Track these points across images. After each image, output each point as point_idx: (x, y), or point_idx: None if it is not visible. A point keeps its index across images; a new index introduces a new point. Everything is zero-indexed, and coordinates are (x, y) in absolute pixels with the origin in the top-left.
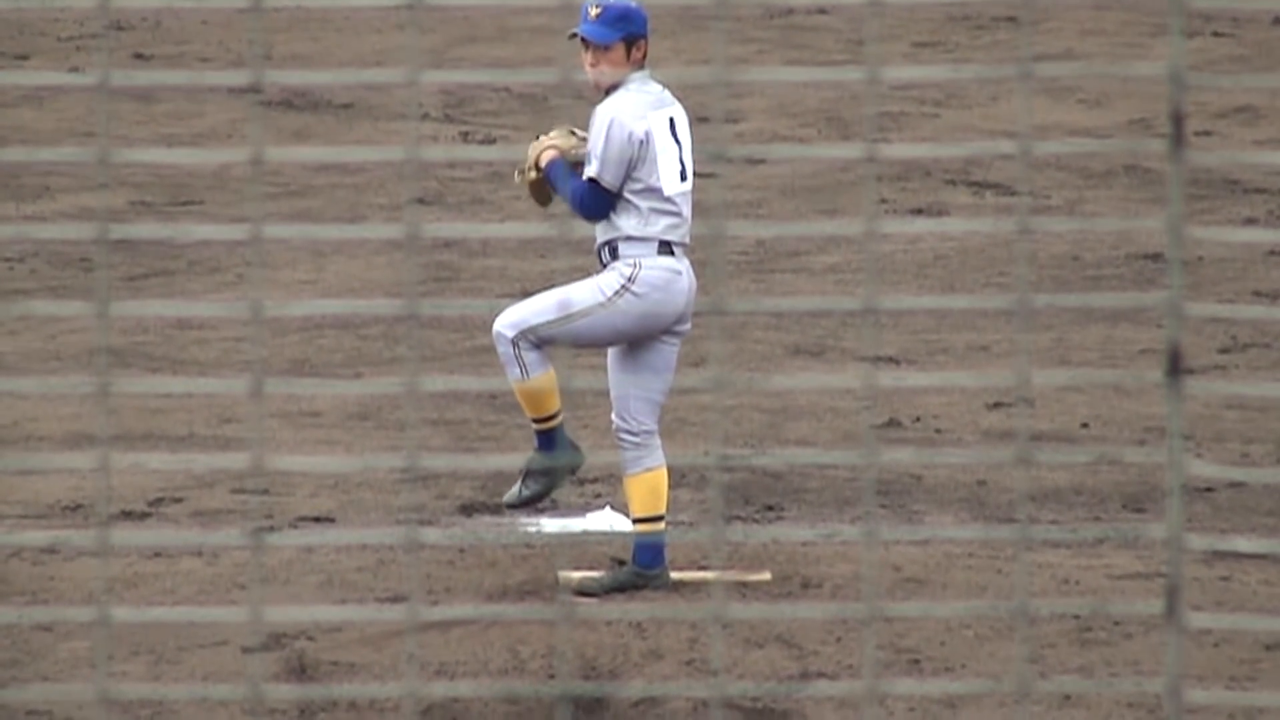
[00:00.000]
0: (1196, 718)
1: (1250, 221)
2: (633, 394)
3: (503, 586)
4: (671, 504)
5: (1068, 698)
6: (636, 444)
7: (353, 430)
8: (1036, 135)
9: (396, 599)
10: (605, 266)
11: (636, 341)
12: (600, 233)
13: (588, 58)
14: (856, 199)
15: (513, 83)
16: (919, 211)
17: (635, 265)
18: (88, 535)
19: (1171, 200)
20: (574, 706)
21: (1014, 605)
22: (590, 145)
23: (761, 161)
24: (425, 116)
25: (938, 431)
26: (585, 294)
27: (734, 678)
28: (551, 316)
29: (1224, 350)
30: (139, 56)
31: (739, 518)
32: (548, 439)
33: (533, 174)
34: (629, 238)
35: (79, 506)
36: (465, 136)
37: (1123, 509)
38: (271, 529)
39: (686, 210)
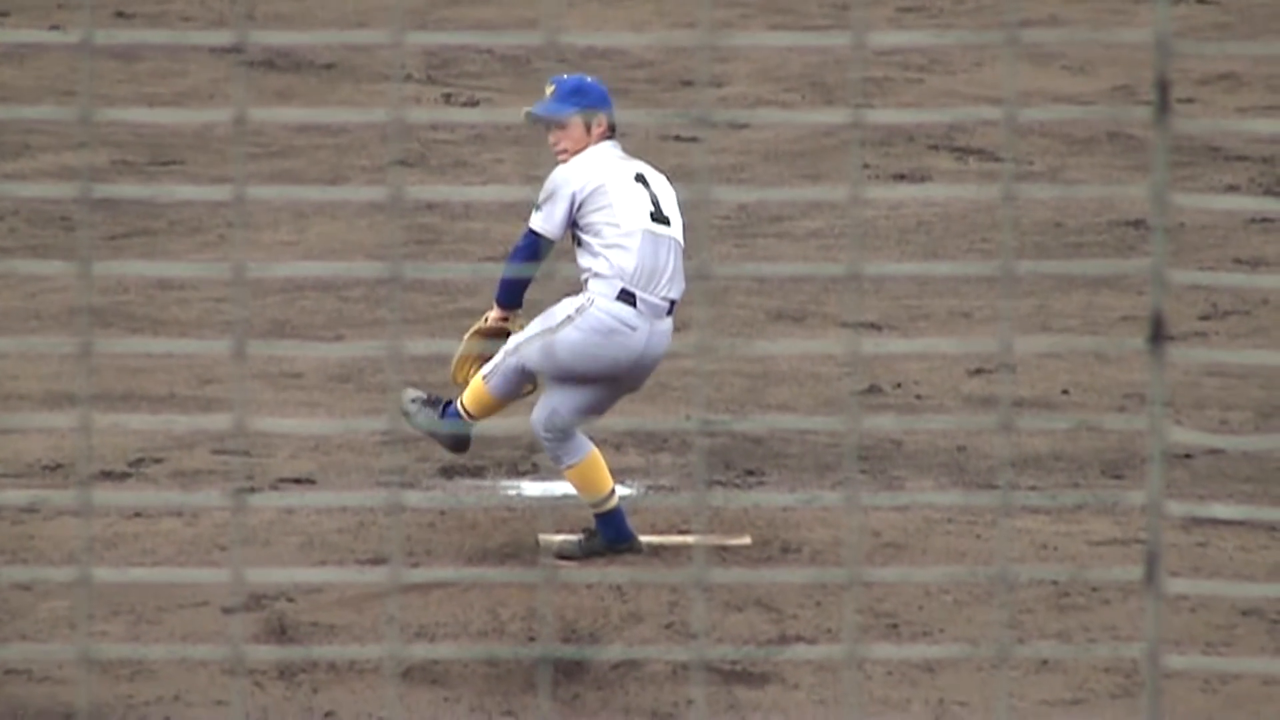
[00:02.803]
0: (1173, 683)
1: (1232, 189)
2: (556, 404)
3: (483, 549)
4: (653, 468)
5: (1045, 663)
6: (551, 441)
7: (334, 392)
8: (1020, 101)
9: (377, 561)
10: None
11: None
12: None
13: (549, 138)
14: (840, 164)
15: (496, 45)
16: (902, 177)
17: (589, 301)
18: (68, 495)
19: (1156, 167)
20: (554, 669)
21: (993, 571)
22: (539, 198)
23: (745, 126)
24: (408, 78)
25: (918, 397)
26: (542, 319)
27: (713, 641)
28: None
29: (1204, 317)
30: (121, 15)
31: (720, 482)
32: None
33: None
34: (596, 274)
35: (59, 466)
36: (448, 98)
37: (1102, 475)
38: (252, 490)
39: (658, 253)
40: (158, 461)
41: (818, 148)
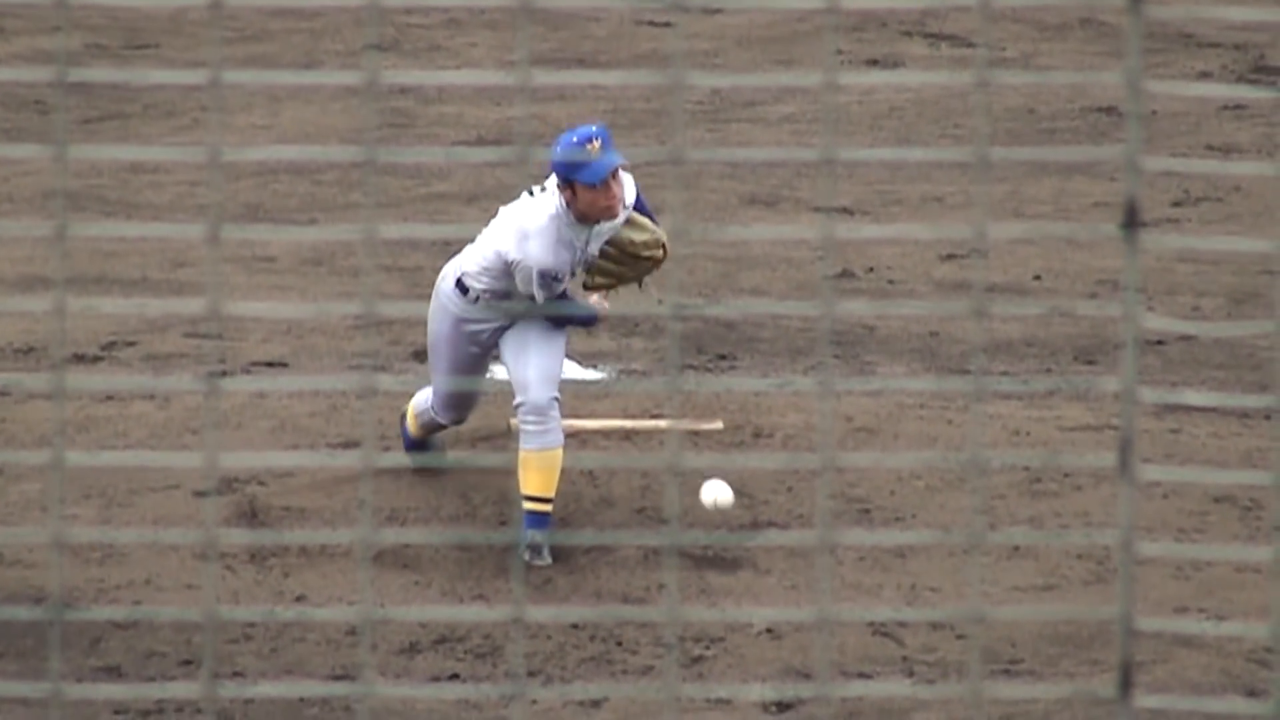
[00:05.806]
0: (1146, 569)
1: (1204, 75)
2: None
3: (454, 433)
4: (625, 352)
5: (1017, 549)
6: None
7: (307, 276)
8: None
9: (348, 445)
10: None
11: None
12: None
13: (615, 188)
14: (813, 49)
15: None
16: (875, 63)
17: None
18: (40, 378)
19: (1129, 53)
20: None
21: (965, 456)
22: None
23: (718, 11)
24: None
25: (891, 282)
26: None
27: (685, 526)
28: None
29: (1177, 204)
30: None
31: (692, 367)
32: (545, 519)
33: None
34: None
35: (31, 349)
36: None
37: (1074, 361)
38: (224, 374)
39: None
40: (130, 345)
41: (791, 33)
